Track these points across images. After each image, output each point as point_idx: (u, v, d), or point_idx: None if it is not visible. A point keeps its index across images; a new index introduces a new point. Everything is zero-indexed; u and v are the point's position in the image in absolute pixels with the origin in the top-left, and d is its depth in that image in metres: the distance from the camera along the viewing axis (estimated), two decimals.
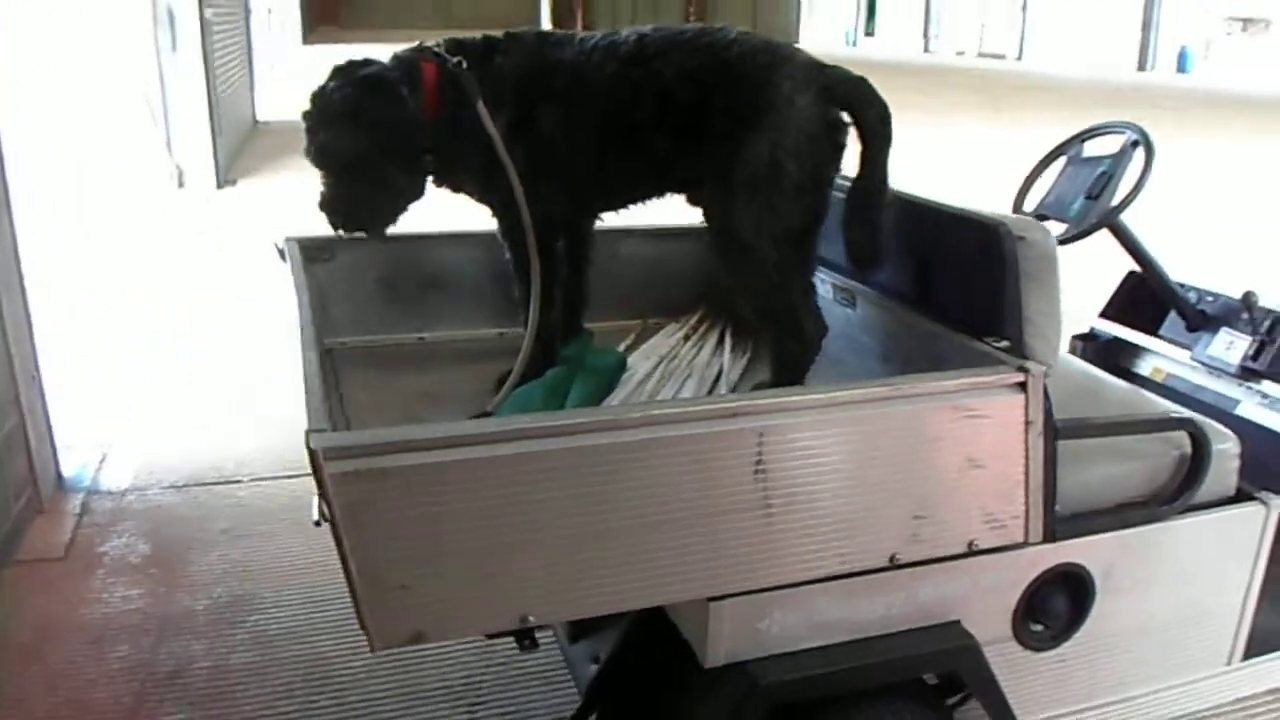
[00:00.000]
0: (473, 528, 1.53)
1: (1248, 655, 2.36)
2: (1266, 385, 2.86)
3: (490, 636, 2.54)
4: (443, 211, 2.63)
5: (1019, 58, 35.72)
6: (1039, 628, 2.10)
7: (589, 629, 2.20)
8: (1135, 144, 2.80)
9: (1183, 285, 2.98)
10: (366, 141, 2.16)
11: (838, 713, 1.89)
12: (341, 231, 2.30)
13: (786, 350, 2.25)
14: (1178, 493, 2.15)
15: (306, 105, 2.24)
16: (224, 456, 4.15)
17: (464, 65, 2.24)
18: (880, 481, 1.78)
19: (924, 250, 2.26)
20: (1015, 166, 3.26)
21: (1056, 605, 2.10)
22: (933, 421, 1.80)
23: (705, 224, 2.27)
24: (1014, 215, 2.32)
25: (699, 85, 2.17)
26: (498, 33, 2.35)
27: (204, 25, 9.61)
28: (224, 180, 9.87)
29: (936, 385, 1.80)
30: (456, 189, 2.42)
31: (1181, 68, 30.38)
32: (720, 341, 2.86)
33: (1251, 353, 2.87)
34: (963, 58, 36.70)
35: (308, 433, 1.47)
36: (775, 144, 2.10)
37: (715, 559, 1.70)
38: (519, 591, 1.60)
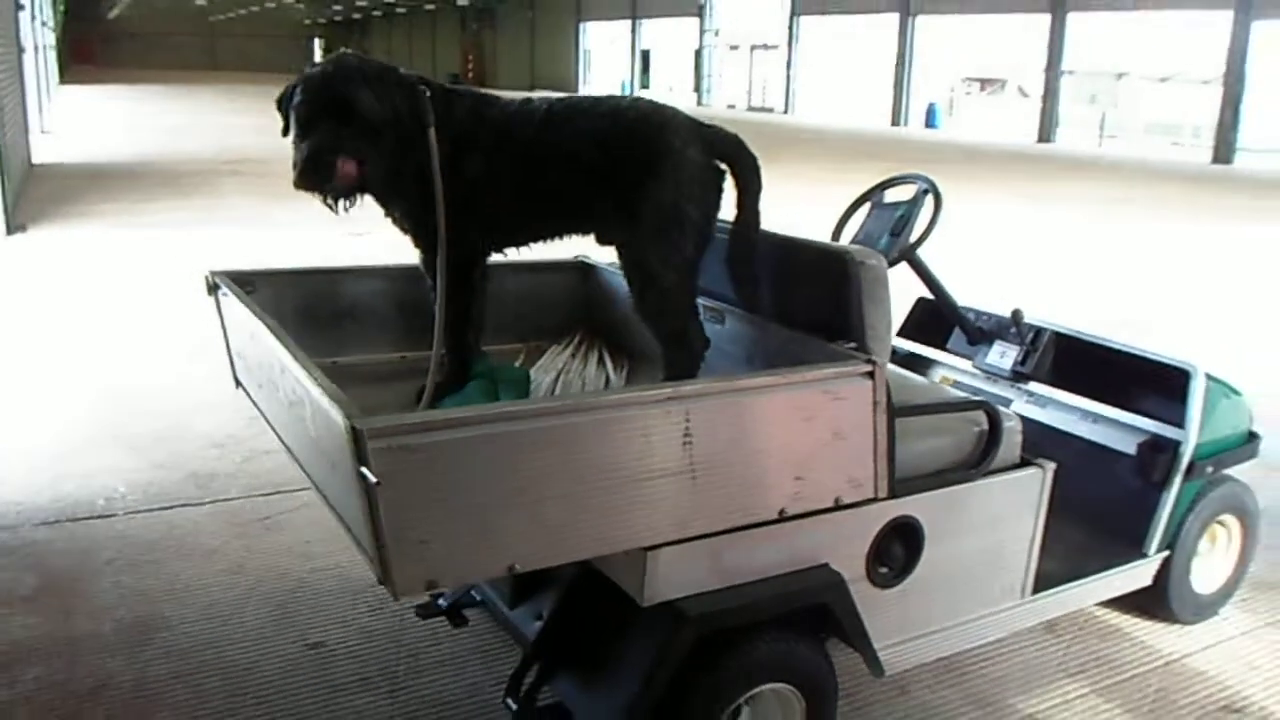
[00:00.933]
0: (476, 492, 1.91)
1: (1035, 591, 3.00)
2: (1033, 385, 3.59)
3: (421, 615, 2.88)
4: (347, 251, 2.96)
5: (786, 111, 38.32)
6: (884, 569, 2.65)
7: (529, 593, 2.58)
8: (926, 191, 3.46)
9: (964, 307, 3.67)
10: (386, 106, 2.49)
11: (744, 641, 2.36)
12: (317, 195, 2.50)
13: (679, 360, 2.71)
14: (981, 458, 2.76)
15: (314, 70, 2.53)
16: (93, 493, 4.21)
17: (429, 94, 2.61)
18: (772, 449, 2.27)
19: (782, 275, 2.80)
20: (793, 209, 3.88)
21: (897, 550, 2.65)
22: (809, 402, 2.31)
23: (620, 260, 2.71)
24: (856, 246, 2.90)
25: (603, 145, 2.61)
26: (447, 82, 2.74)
27: None
28: (13, 226, 9.46)
29: (812, 375, 2.32)
30: (388, 207, 2.74)
31: (930, 123, 33.56)
32: (601, 358, 3.32)
33: (1020, 359, 3.60)
34: (734, 110, 38.96)
35: (351, 416, 1.80)
36: (673, 190, 2.58)
37: (652, 514, 2.14)
38: (509, 544, 1.98)
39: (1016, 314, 3.62)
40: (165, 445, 4.76)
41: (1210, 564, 3.60)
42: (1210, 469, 3.36)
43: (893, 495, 2.53)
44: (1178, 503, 3.31)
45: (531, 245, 2.89)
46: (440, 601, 2.87)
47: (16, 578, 3.55)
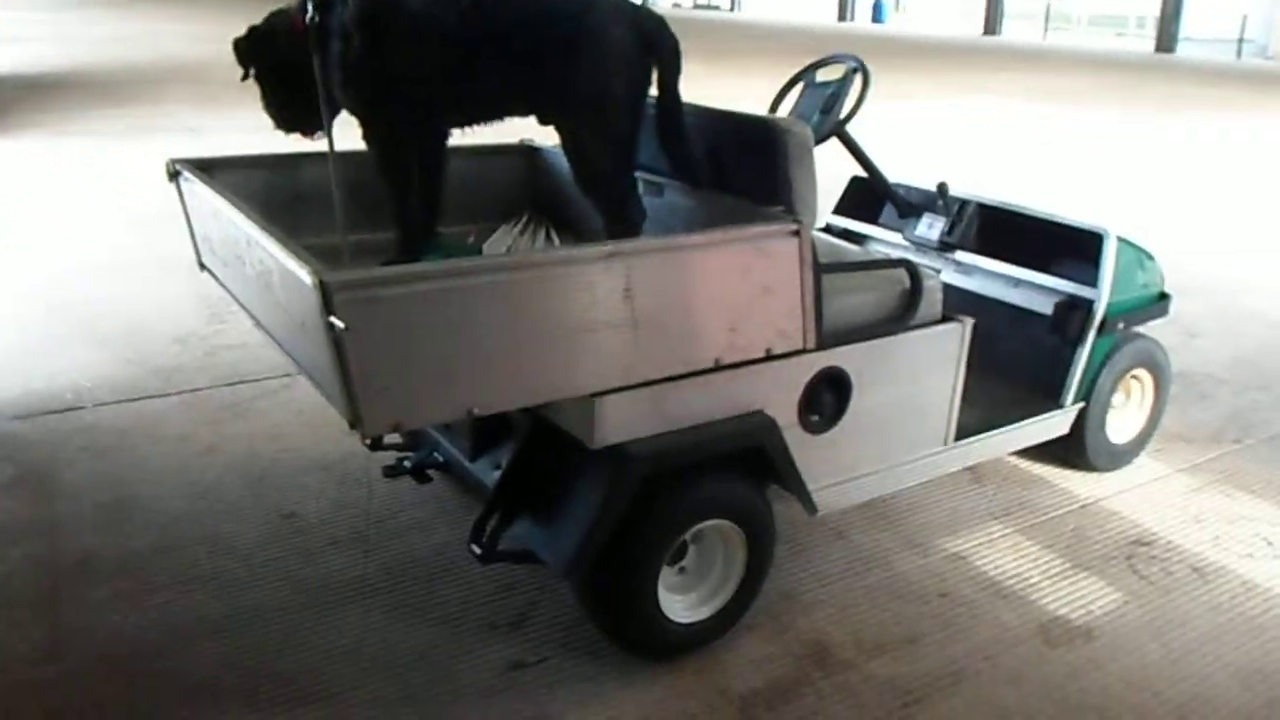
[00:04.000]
0: (435, 341, 2.08)
1: (957, 439, 3.25)
2: (959, 255, 3.81)
3: (388, 475, 3.08)
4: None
5: (732, 9, 37.80)
6: (815, 417, 2.87)
7: (487, 446, 2.78)
8: (855, 70, 3.61)
9: (894, 183, 3.85)
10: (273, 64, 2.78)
11: (689, 481, 2.58)
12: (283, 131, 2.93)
13: (617, 231, 2.88)
14: (903, 313, 2.98)
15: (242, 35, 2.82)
16: (60, 386, 4.33)
17: (315, 18, 2.73)
18: (707, 303, 2.46)
19: (715, 147, 2.95)
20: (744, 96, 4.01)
21: (826, 399, 2.87)
22: (741, 259, 2.49)
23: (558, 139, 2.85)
24: (782, 116, 3.05)
25: (529, 26, 2.72)
26: None
27: None
28: None
29: (742, 233, 2.50)
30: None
31: (877, 18, 33.37)
32: (548, 235, 3.47)
33: (946, 230, 3.81)
34: (680, 10, 38.36)
35: (318, 273, 1.95)
36: (603, 69, 2.71)
37: (598, 363, 2.33)
38: (467, 389, 2.16)
39: (942, 186, 3.81)
40: (129, 342, 4.87)
41: (1125, 416, 3.89)
42: (1122, 325, 3.62)
43: (821, 347, 2.73)
44: (1091, 357, 3.57)
45: (475, 126, 3.01)
46: (405, 462, 3.07)
47: None
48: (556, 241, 3.35)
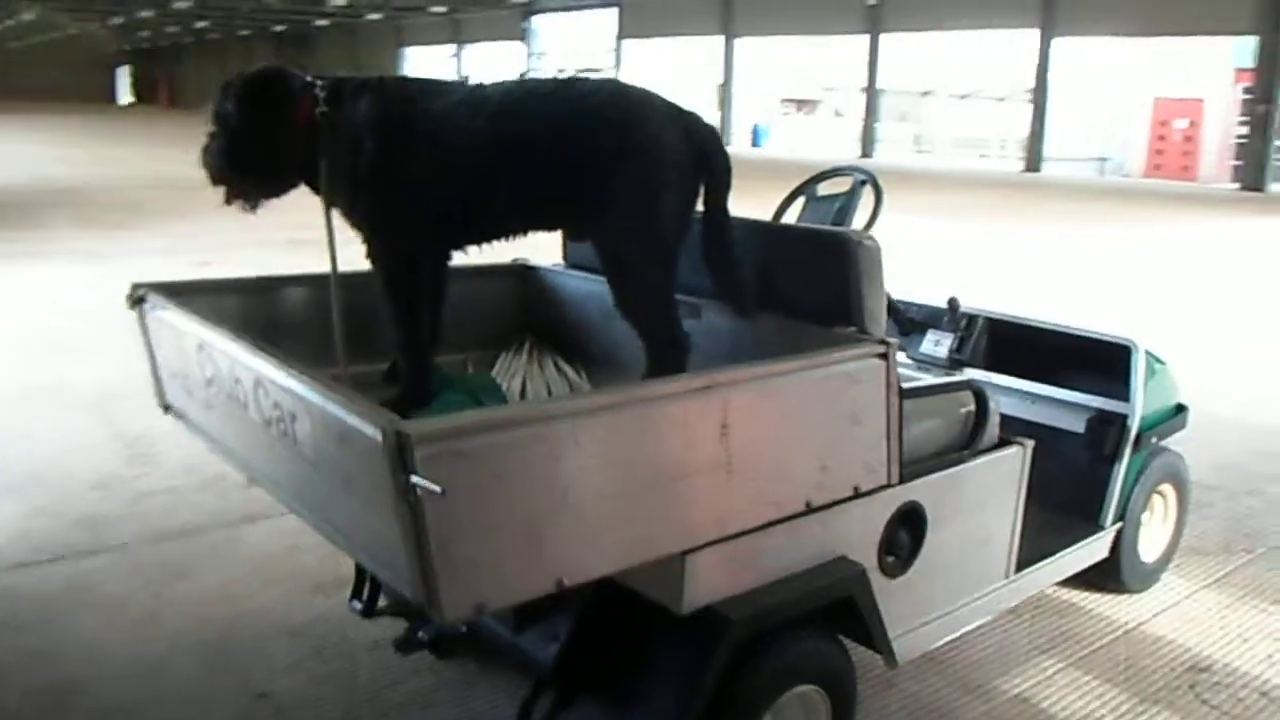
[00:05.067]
0: (523, 499, 1.71)
1: (1018, 569, 2.99)
2: (968, 372, 3.61)
3: (401, 650, 2.63)
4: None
5: None
6: (891, 558, 2.57)
7: (535, 616, 2.37)
8: (864, 183, 3.44)
9: (894, 299, 3.66)
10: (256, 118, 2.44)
11: (777, 643, 2.23)
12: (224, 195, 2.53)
13: (667, 357, 2.55)
14: (971, 439, 2.73)
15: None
16: None
17: (324, 111, 2.41)
18: (801, 437, 2.17)
19: (764, 262, 2.68)
20: None
21: (903, 538, 2.58)
22: (831, 386, 2.21)
23: (597, 254, 2.54)
24: (849, 228, 2.81)
25: (570, 133, 2.43)
26: (373, 76, 2.51)
27: None
28: None
29: (834, 358, 2.22)
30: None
31: (756, 142, 34.55)
32: (555, 363, 3.13)
33: (955, 346, 3.61)
34: None
35: (393, 423, 1.58)
36: (653, 177, 2.43)
37: (692, 514, 1.99)
38: (556, 556, 1.79)
39: (953, 302, 3.64)
40: (40, 489, 4.26)
41: (1151, 533, 3.71)
42: (1154, 439, 3.46)
43: (902, 480, 2.45)
44: (1127, 474, 3.38)
45: (491, 243, 2.69)
46: (421, 634, 2.62)
47: None
48: (569, 371, 3.01)
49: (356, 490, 1.75)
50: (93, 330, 6.96)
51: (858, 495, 2.33)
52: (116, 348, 6.48)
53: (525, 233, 2.65)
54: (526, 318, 3.32)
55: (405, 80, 2.53)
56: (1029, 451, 2.89)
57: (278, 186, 2.55)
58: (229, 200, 2.54)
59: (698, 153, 2.50)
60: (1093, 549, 3.37)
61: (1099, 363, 3.44)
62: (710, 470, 1.99)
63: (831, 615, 2.43)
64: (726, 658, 2.09)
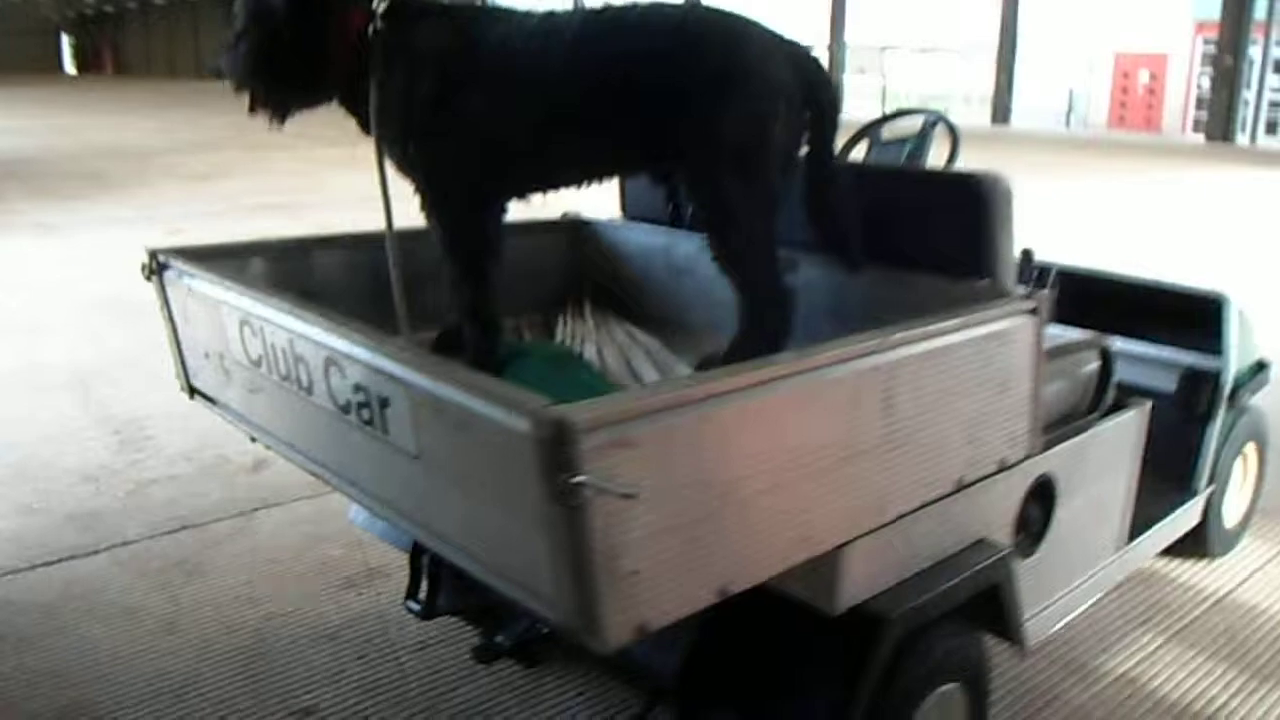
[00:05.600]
0: (692, 494, 1.41)
1: (1130, 539, 2.75)
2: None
3: (481, 660, 2.33)
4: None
5: None
6: (1022, 536, 2.31)
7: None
8: (934, 123, 3.15)
9: None
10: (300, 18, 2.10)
11: (926, 640, 1.96)
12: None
13: (767, 317, 2.26)
14: (1096, 402, 2.46)
15: None
16: None
17: (379, 28, 2.07)
18: (955, 407, 1.88)
19: (874, 209, 2.38)
20: None
21: (1034, 513, 2.32)
22: (984, 350, 1.92)
23: (691, 197, 2.23)
24: (982, 169, 2.53)
25: (665, 64, 2.11)
26: None
27: None
28: None
29: (989, 317, 1.92)
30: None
31: None
32: (624, 327, 2.82)
33: None
34: None
35: (546, 410, 1.26)
36: (759, 111, 2.12)
37: (854, 501, 1.71)
38: (719, 560, 1.49)
39: (1026, 253, 3.36)
40: (25, 483, 3.87)
41: (1233, 495, 3.49)
42: (1246, 396, 3.23)
43: (1040, 450, 2.19)
44: (1220, 434, 3.15)
45: (573, 187, 2.37)
46: (500, 638, 2.30)
47: None
48: (642, 336, 2.70)
49: (478, 491, 1.44)
50: (61, 307, 6.52)
51: (1002, 469, 2.06)
52: (87, 324, 6.09)
53: (603, 178, 2.33)
54: (577, 276, 2.99)
55: (474, 6, 2.19)
56: (1147, 413, 2.63)
57: (314, 97, 2.21)
58: (253, 109, 2.20)
59: (805, 86, 2.19)
60: (1188, 515, 3.14)
61: (1182, 317, 3.20)
62: (873, 449, 1.70)
63: (971, 603, 2.16)
64: (885, 662, 1.81)
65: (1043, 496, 2.32)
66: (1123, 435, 2.58)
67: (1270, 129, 22.51)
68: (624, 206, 2.98)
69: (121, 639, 2.88)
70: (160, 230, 8.55)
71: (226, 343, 2.04)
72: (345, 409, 1.69)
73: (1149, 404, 2.63)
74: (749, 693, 1.89)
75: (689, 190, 2.24)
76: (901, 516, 1.83)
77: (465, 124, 2.11)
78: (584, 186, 2.33)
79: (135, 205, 10.36)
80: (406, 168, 2.19)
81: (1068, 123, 26.60)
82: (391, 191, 2.20)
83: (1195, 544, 3.35)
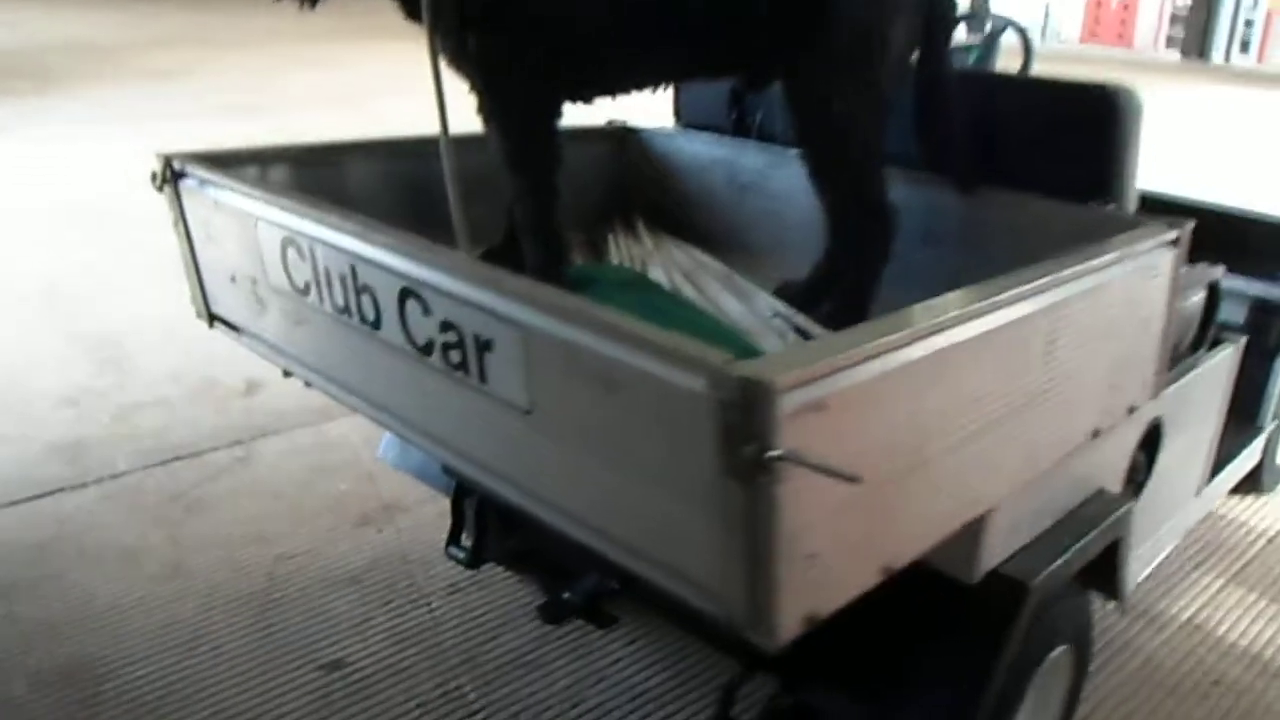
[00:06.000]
0: (873, 461, 1.19)
1: (1209, 479, 2.60)
2: None
3: (550, 620, 2.12)
4: None
5: None
6: (1129, 485, 2.13)
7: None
8: (1004, 28, 2.90)
9: None
10: None
11: (1053, 604, 1.78)
12: None
13: (870, 237, 2.03)
14: (1200, 338, 2.27)
15: None
16: None
17: None
18: (1102, 349, 1.67)
19: (991, 123, 2.13)
20: None
21: (1140, 459, 2.14)
22: (1131, 285, 1.71)
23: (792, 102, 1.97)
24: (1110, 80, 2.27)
25: None
26: None
27: None
28: None
29: (1139, 248, 1.70)
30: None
31: None
32: (678, 246, 2.56)
33: None
34: None
35: (727, 366, 1.02)
36: (872, 5, 1.86)
37: (1007, 458, 1.50)
38: (884, 535, 1.28)
39: None
40: (0, 410, 3.57)
41: None
42: None
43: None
44: None
45: (632, 92, 2.09)
46: (567, 595, 2.08)
47: None
48: (712, 262, 2.44)
49: (613, 458, 1.21)
50: (16, 214, 6.07)
51: (1129, 415, 1.86)
52: (49, 234, 5.67)
53: (682, 79, 2.09)
54: (629, 192, 2.72)
55: None
56: (1241, 349, 2.46)
57: None
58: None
59: None
60: (1252, 453, 2.99)
61: (1249, 245, 3.01)
62: (1034, 397, 1.49)
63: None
64: (1024, 632, 1.63)
65: (1150, 441, 2.14)
66: (1219, 373, 2.40)
67: (1244, 48, 22.34)
68: (678, 113, 2.70)
69: (120, 584, 2.64)
70: (122, 131, 8.03)
71: (263, 265, 1.76)
72: (425, 349, 1.44)
73: (1244, 339, 2.45)
74: (862, 672, 1.70)
75: (791, 96, 1.97)
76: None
77: (533, 13, 1.82)
78: (660, 89, 2.05)
79: (91, 103, 9.71)
80: (464, 63, 1.89)
81: (1042, 36, 26.24)
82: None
83: (1250, 481, 3.23)
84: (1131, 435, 2.02)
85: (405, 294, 1.43)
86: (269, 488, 3.13)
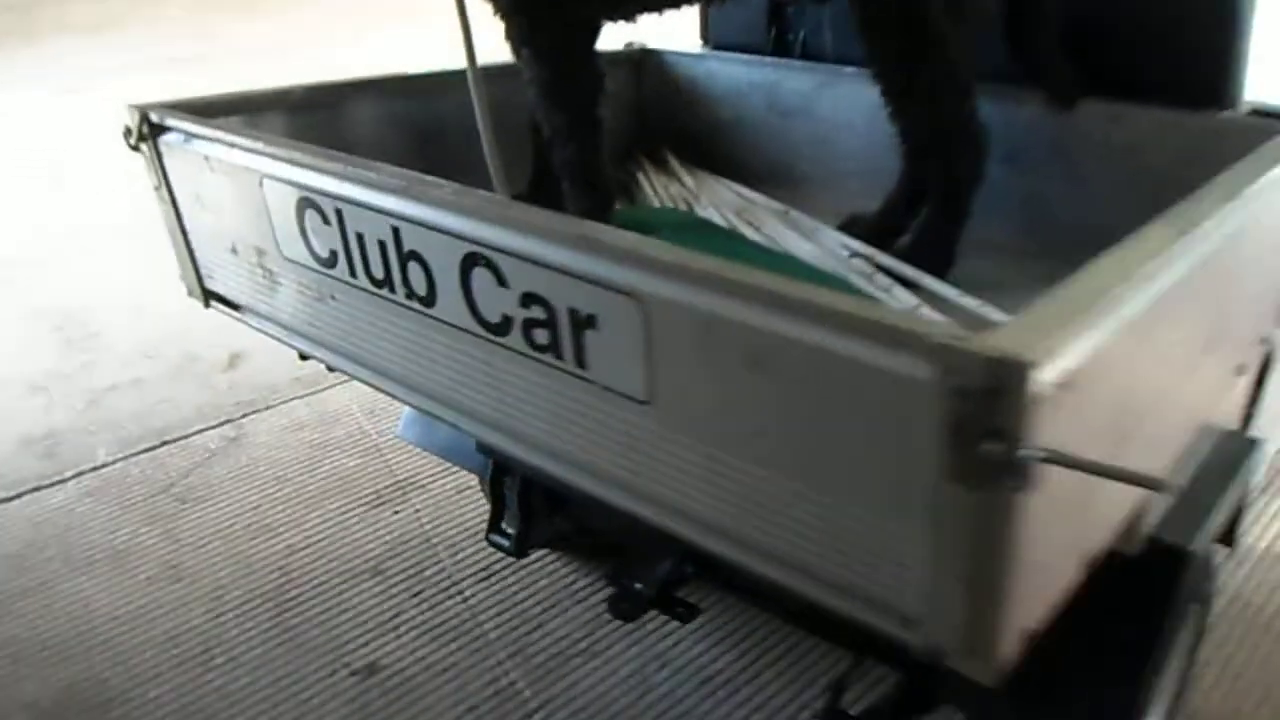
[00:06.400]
0: (1095, 442, 0.96)
1: None
2: None
3: (622, 616, 1.89)
4: None
5: None
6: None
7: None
8: None
9: None
10: None
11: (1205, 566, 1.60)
12: None
13: (960, 160, 1.79)
14: None
15: None
16: None
17: None
18: (1255, 278, 1.46)
19: (1078, 28, 1.89)
20: None
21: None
22: (1275, 204, 1.49)
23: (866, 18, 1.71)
24: None
25: None
26: None
27: None
28: None
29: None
30: None
31: None
32: (719, 181, 2.31)
33: None
34: None
35: (958, 342, 0.79)
36: None
37: (1190, 406, 1.30)
38: (1088, 525, 1.06)
39: None
40: None
41: None
42: None
43: None
44: None
45: (682, 6, 1.83)
46: (638, 586, 1.85)
47: None
48: (759, 199, 2.18)
49: (775, 460, 0.97)
50: None
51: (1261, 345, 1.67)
52: None
53: None
54: (653, 122, 2.45)
55: None
56: None
57: None
58: None
59: None
60: None
61: None
62: (1210, 338, 1.28)
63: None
64: (1190, 604, 1.44)
65: (1262, 376, 1.95)
66: None
67: None
68: (705, 33, 2.42)
69: (117, 592, 2.38)
70: (53, 89, 7.54)
71: (273, 233, 1.49)
72: (499, 328, 1.19)
73: None
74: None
75: (863, 9, 1.71)
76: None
77: None
78: (681, 10, 1.79)
79: (20, 61, 9.15)
80: None
81: None
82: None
83: None
84: (1253, 372, 1.82)
85: (471, 261, 1.17)
86: (268, 470, 2.87)
